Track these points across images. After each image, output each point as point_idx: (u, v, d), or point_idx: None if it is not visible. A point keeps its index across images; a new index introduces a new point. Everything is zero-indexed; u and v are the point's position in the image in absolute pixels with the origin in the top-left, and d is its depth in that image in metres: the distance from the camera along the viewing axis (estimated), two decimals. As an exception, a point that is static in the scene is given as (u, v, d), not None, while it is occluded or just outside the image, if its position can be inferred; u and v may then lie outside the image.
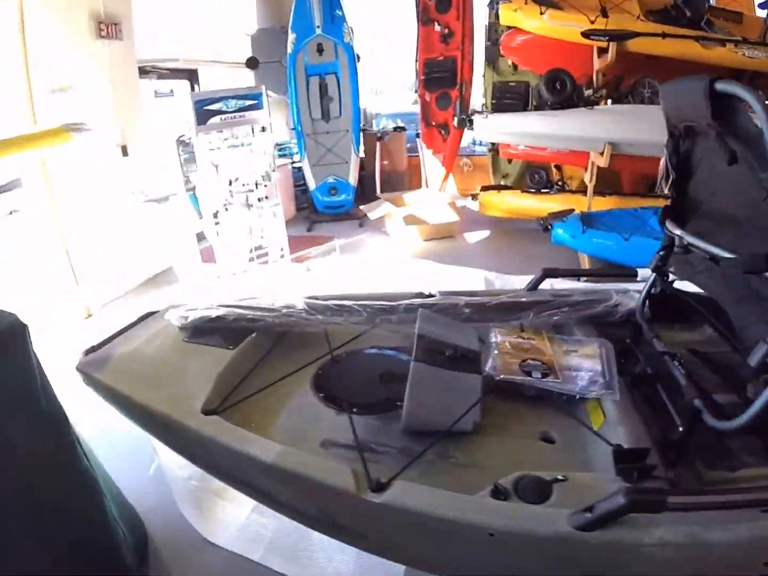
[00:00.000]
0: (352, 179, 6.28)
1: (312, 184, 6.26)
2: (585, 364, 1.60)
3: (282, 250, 4.52)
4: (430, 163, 6.55)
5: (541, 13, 4.66)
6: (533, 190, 5.62)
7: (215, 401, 1.58)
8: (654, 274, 1.82)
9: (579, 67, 4.81)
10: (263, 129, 4.22)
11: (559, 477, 1.24)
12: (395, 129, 7.20)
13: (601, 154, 4.52)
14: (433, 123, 6.51)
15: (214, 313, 1.87)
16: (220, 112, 4.01)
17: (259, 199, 4.29)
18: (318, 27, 5.79)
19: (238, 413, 1.57)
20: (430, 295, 1.97)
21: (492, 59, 6.19)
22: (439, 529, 1.21)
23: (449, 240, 5.65)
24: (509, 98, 5.13)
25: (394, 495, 1.22)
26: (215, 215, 4.10)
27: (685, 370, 1.45)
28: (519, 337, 1.73)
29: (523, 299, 1.89)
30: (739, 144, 1.31)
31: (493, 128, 5.05)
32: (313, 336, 1.92)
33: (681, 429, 1.34)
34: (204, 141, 3.97)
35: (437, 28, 6.17)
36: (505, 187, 5.89)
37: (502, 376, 1.56)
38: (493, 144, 6.11)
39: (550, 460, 1.43)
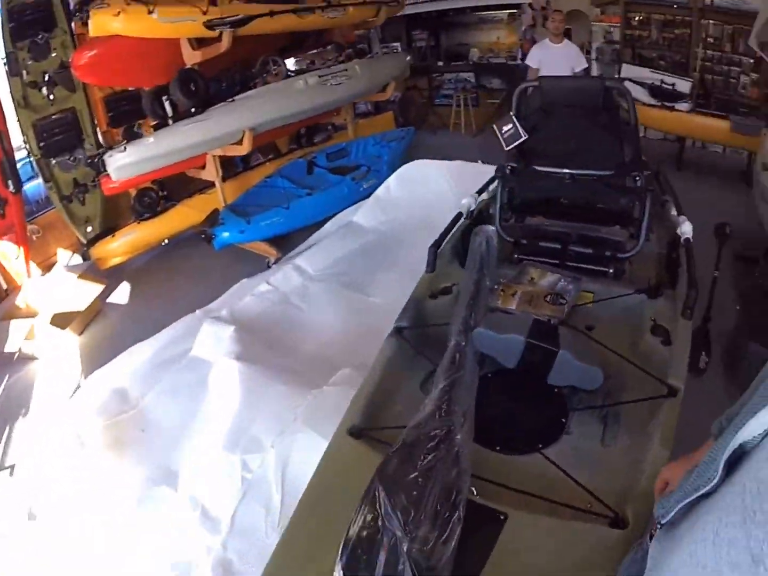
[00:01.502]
0: None
1: None
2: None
3: None
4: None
5: (150, 12, 4.34)
6: (148, 214, 5.23)
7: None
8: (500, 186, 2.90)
9: (170, 66, 4.73)
10: None
11: None
12: None
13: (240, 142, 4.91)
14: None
15: None
16: None
17: None
18: None
19: None
20: None
21: (20, 97, 5.01)
22: None
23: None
24: (59, 133, 4.95)
25: None
26: None
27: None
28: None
29: None
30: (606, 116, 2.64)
31: (137, 158, 4.55)
32: None
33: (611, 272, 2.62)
34: None
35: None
36: (113, 230, 5.20)
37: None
38: (63, 193, 5.19)
39: None
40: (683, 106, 7.12)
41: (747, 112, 7.54)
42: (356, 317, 3.66)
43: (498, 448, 1.78)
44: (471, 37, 9.00)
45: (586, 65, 5.86)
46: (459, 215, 2.83)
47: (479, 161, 5.15)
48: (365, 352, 3.12)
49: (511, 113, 2.75)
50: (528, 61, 5.81)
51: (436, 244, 2.54)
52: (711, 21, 7.70)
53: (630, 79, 7.29)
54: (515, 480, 1.63)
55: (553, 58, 5.52)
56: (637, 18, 8.27)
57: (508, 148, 2.73)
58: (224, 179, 5.29)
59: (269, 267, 4.75)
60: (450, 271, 2.63)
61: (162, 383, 3.18)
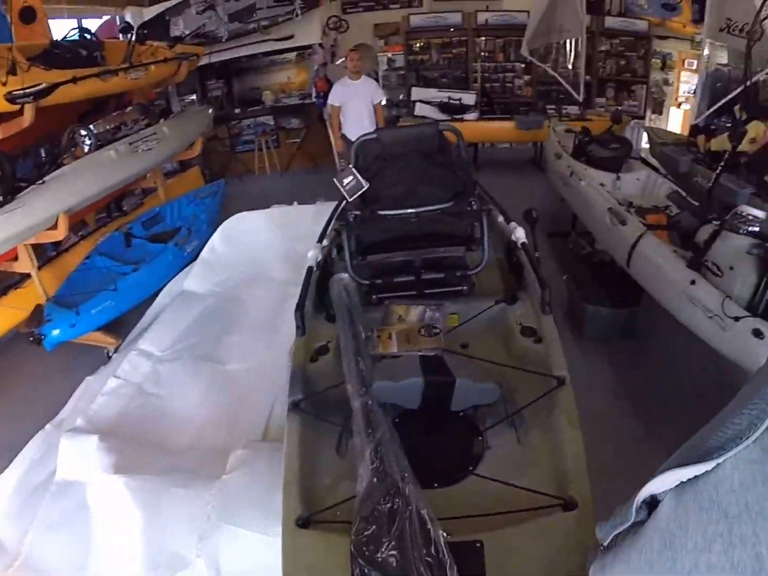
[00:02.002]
0: None
1: None
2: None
3: None
4: None
5: None
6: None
7: None
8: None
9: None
10: None
11: None
12: None
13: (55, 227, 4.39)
14: None
15: None
16: None
17: None
18: None
19: None
20: None
21: None
22: None
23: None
24: None
25: None
26: None
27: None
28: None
29: None
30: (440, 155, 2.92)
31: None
32: None
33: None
34: None
35: None
36: None
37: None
38: None
39: None
40: (471, 115, 8.01)
41: (527, 110, 8.77)
42: (219, 390, 3.47)
43: (436, 484, 1.82)
44: (262, 80, 9.15)
45: (384, 97, 6.19)
46: (310, 269, 2.82)
47: (295, 202, 5.26)
48: (244, 426, 3.05)
49: (350, 165, 2.85)
50: (330, 101, 6.05)
51: (300, 306, 2.49)
52: (484, 37, 8.83)
53: (421, 101, 8.12)
54: (464, 507, 1.69)
55: (354, 94, 5.84)
56: (417, 44, 9.13)
57: (352, 199, 2.81)
58: (39, 268, 4.77)
59: (110, 357, 4.30)
60: (319, 328, 2.61)
61: (38, 520, 2.69)
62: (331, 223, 3.39)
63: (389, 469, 1.64)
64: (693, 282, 3.07)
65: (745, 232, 2.98)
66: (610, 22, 8.95)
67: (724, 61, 6.48)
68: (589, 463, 1.79)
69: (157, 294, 4.69)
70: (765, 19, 3.67)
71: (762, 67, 4.86)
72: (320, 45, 8.15)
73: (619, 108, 9.03)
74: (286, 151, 8.87)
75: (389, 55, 9.15)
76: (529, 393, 2.04)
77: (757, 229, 2.99)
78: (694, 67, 8.98)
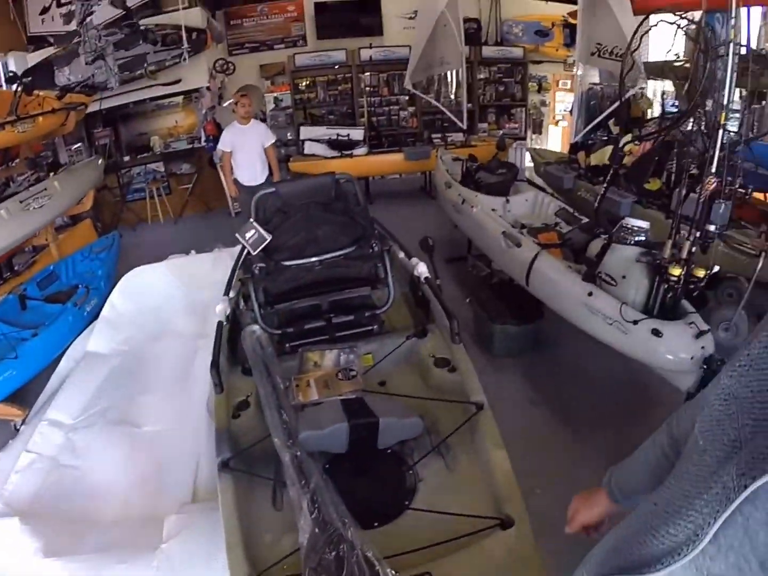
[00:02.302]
0: None
1: None
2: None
3: None
4: None
5: None
6: None
7: None
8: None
9: None
10: None
11: None
12: None
13: None
14: None
15: None
16: None
17: None
18: None
19: None
20: None
21: None
22: None
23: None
24: None
25: None
26: None
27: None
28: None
29: None
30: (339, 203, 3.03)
31: None
32: None
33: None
34: None
35: None
36: None
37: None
38: None
39: None
40: (361, 150, 8.18)
41: (413, 141, 9.06)
42: (139, 455, 3.28)
43: (375, 524, 1.85)
44: (150, 125, 8.95)
45: (275, 138, 6.20)
46: (220, 324, 2.81)
47: (192, 251, 5.16)
48: (171, 489, 2.95)
49: (251, 220, 2.89)
50: (220, 146, 6.03)
51: (215, 363, 2.47)
52: (368, 73, 9.10)
53: (310, 139, 8.23)
54: (407, 542, 1.72)
55: (245, 139, 5.84)
56: (303, 83, 9.27)
57: (255, 252, 2.86)
58: None
59: (18, 430, 3.98)
60: (236, 382, 2.61)
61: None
62: (236, 274, 3.39)
63: (328, 517, 1.63)
64: (590, 293, 3.26)
65: (632, 242, 3.20)
66: (488, 51, 9.59)
67: (596, 80, 7.00)
68: (521, 477, 1.91)
69: (60, 357, 4.42)
70: (635, 50, 4.00)
71: (632, 84, 5.32)
72: (207, 88, 8.08)
73: (503, 132, 9.58)
74: (179, 197, 8.69)
75: (276, 94, 9.21)
76: (451, 422, 2.13)
77: (642, 238, 3.23)
78: (568, 87, 9.76)
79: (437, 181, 6.52)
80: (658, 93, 7.93)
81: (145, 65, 7.48)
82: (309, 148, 8.15)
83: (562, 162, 6.90)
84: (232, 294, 3.15)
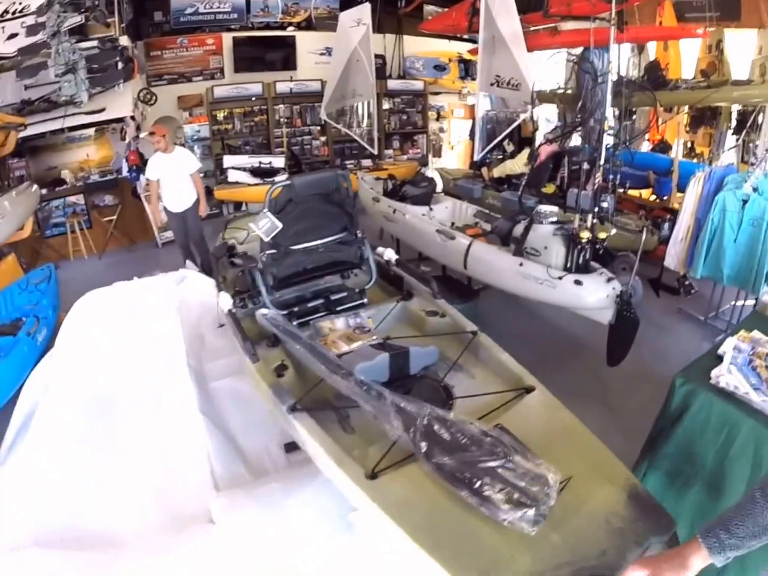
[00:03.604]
0: None
1: None
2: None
3: None
4: None
5: None
6: None
7: None
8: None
9: None
10: None
11: None
12: None
13: None
14: None
15: None
16: None
17: None
18: None
19: None
20: None
21: None
22: None
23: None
24: None
25: None
26: None
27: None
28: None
29: None
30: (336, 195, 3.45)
31: None
32: None
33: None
34: None
35: None
36: None
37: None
38: None
39: None
40: (282, 177, 8.45)
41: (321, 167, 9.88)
42: (140, 475, 3.19)
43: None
44: (60, 158, 8.86)
45: (200, 165, 6.48)
46: (232, 313, 3.18)
47: (135, 277, 5.14)
48: (191, 492, 2.96)
49: (265, 210, 3.22)
50: (147, 175, 6.25)
51: (246, 338, 2.89)
52: (283, 105, 9.75)
53: (233, 167, 8.59)
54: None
55: (170, 167, 6.10)
56: (221, 114, 9.73)
57: (268, 238, 3.22)
58: None
59: None
60: (267, 355, 2.94)
61: None
62: (219, 273, 3.98)
63: (413, 409, 2.10)
64: (521, 264, 4.19)
65: (548, 222, 4.14)
66: (393, 84, 10.68)
67: (487, 107, 8.19)
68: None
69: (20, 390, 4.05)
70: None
71: (522, 109, 6.49)
72: (132, 117, 8.22)
73: (407, 156, 10.84)
74: (101, 231, 8.55)
75: (195, 126, 9.55)
76: (455, 350, 2.80)
77: (554, 218, 4.18)
78: (462, 115, 11.13)
79: (364, 198, 7.34)
80: (541, 116, 9.46)
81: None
82: (232, 176, 8.50)
83: (468, 177, 8.10)
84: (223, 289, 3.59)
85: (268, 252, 3.31)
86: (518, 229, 4.42)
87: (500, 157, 9.08)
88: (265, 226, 3.20)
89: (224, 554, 2.41)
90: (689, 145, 8.12)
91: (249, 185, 8.31)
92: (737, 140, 7.47)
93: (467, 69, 10.94)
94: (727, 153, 7.56)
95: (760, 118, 6.78)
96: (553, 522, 1.70)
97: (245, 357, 2.89)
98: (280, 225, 3.20)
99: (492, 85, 6.84)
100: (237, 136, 9.94)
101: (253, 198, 8.20)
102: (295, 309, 3.41)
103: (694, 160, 7.84)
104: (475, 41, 10.37)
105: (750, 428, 1.94)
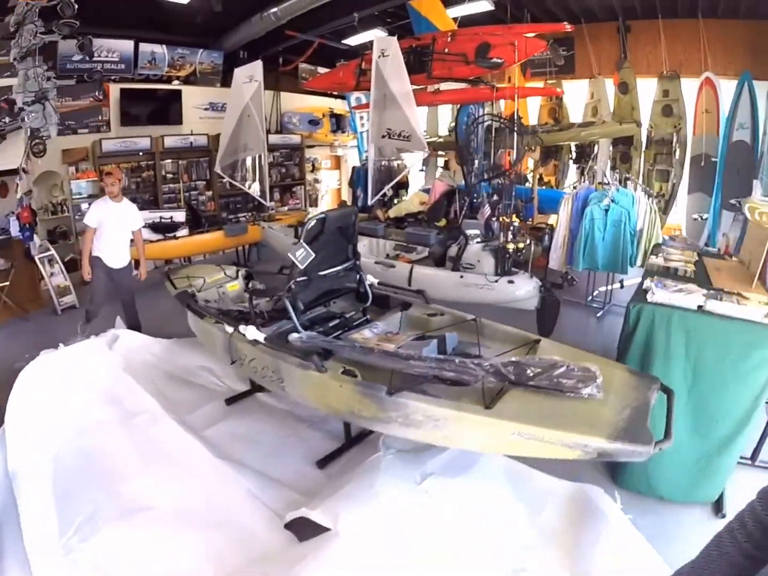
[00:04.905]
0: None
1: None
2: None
3: None
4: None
5: None
6: None
7: None
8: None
9: None
10: None
11: None
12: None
13: None
14: None
15: None
16: None
17: None
18: None
19: None
20: None
21: None
22: None
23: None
24: None
25: None
26: None
27: None
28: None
29: None
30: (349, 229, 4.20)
31: None
32: None
33: None
34: None
35: None
36: None
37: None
38: None
39: None
40: (183, 232, 8.90)
41: (216, 222, 10.19)
42: (181, 528, 3.12)
43: None
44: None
45: (143, 222, 6.38)
46: (287, 342, 3.59)
47: (61, 344, 4.83)
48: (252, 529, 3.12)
49: (301, 240, 3.75)
50: (86, 221, 5.84)
51: (316, 353, 3.39)
52: (170, 159, 10.20)
53: None
54: None
55: (115, 216, 5.84)
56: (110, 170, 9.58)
57: (304, 266, 3.72)
58: None
59: None
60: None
61: None
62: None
63: (479, 361, 3.03)
64: (461, 276, 5.38)
65: (476, 241, 5.42)
66: (272, 138, 11.50)
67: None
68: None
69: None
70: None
71: (395, 156, 7.79)
72: (24, 170, 7.59)
73: (288, 207, 12.00)
74: None
75: (81, 182, 9.32)
76: (462, 336, 3.73)
77: (479, 239, 5.46)
78: (328, 166, 12.47)
79: (279, 244, 8.13)
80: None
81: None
82: None
83: (368, 220, 9.26)
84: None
85: (298, 279, 3.82)
86: (452, 251, 5.65)
87: (383, 200, 10.38)
88: (302, 255, 3.70)
89: (358, 552, 2.70)
90: (538, 176, 10.11)
91: (151, 242, 8.23)
92: (578, 168, 9.60)
93: (338, 123, 12.32)
94: (570, 180, 9.66)
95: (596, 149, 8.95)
96: (605, 390, 2.73)
97: (308, 369, 3.33)
98: (312, 254, 3.72)
99: (384, 137, 8.03)
100: (125, 193, 9.74)
101: (157, 255, 8.48)
102: (320, 329, 3.98)
103: (544, 187, 9.83)
104: (344, 98, 11.88)
105: (678, 316, 3.23)
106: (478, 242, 5.51)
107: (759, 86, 7.36)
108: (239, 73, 8.82)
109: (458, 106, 8.14)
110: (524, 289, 5.22)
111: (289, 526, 3.09)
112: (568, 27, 6.80)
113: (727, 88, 7.84)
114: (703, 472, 3.31)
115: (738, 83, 7.53)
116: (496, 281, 5.25)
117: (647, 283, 3.57)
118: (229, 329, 4.02)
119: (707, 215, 7.61)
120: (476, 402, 2.79)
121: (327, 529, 2.82)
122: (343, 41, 10.31)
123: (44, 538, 2.96)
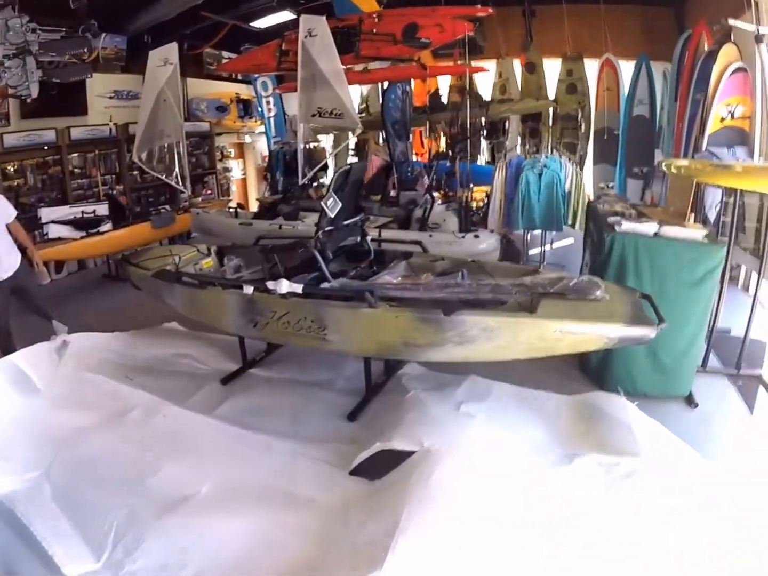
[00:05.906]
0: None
1: None
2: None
3: None
4: None
5: None
6: None
7: None
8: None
9: None
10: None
11: None
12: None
13: None
14: None
15: None
16: None
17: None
18: None
19: None
20: None
21: None
22: None
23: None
24: None
25: None
26: None
27: None
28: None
29: None
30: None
31: None
32: None
33: None
34: None
35: None
36: None
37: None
38: None
39: None
40: (107, 226, 8.55)
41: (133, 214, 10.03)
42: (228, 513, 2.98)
43: None
44: None
45: (15, 212, 5.45)
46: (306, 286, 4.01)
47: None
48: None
49: (331, 191, 4.11)
50: None
51: (366, 291, 3.74)
52: (77, 153, 9.84)
53: (54, 221, 8.23)
54: None
55: None
56: (12, 167, 9.11)
57: (333, 214, 4.10)
58: None
59: None
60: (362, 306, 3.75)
61: None
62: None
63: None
64: (431, 235, 5.99)
65: (438, 204, 6.08)
66: (182, 126, 11.43)
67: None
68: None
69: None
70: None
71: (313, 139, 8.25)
72: None
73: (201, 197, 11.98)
74: None
75: None
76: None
77: (440, 201, 6.13)
78: (233, 155, 12.79)
79: (221, 227, 8.40)
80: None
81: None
82: (54, 231, 8.09)
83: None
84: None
85: (326, 228, 4.17)
86: (417, 213, 6.27)
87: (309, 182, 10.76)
88: (332, 204, 4.07)
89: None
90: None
91: (74, 240, 8.01)
92: (489, 144, 10.57)
93: (246, 109, 12.42)
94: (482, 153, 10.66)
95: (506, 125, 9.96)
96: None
97: (359, 309, 3.67)
98: (339, 203, 4.11)
99: (314, 116, 8.40)
100: (31, 192, 9.34)
101: (84, 254, 8.40)
102: (344, 278, 4.19)
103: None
104: (249, 83, 12.00)
105: (642, 242, 4.10)
106: (439, 203, 6.20)
107: (655, 66, 8.59)
108: (153, 55, 8.70)
109: (386, 84, 8.65)
110: (487, 242, 5.99)
111: (354, 472, 3.29)
112: (490, 10, 7.58)
113: (626, 68, 9.04)
114: (675, 370, 4.19)
115: (636, 63, 8.73)
116: (463, 237, 5.93)
117: (612, 220, 4.43)
118: (249, 290, 4.09)
119: (613, 183, 8.73)
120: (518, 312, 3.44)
121: (409, 454, 3.13)
122: (251, 24, 10.41)
123: (80, 563, 2.70)
